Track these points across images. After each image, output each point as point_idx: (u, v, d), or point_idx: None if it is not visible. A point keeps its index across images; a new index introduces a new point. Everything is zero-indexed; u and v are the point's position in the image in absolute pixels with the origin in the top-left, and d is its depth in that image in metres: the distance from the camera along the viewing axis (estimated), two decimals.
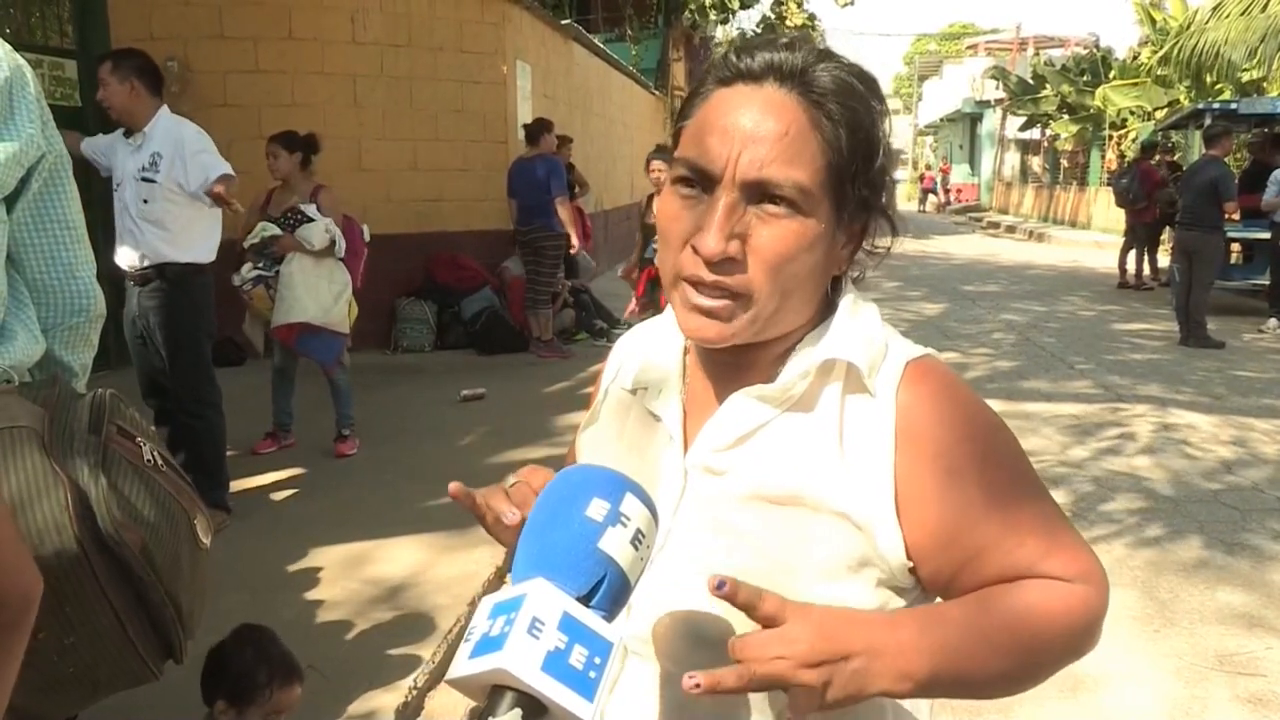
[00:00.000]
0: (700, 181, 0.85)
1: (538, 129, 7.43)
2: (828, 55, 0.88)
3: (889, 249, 0.95)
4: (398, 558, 3.67)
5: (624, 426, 1.01)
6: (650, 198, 6.28)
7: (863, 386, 0.88)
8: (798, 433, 0.89)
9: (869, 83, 0.89)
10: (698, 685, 0.73)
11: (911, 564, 0.88)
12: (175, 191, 3.84)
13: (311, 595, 3.37)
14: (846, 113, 0.86)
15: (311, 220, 4.77)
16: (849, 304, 0.92)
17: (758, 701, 0.89)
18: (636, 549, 0.72)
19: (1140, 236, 12.41)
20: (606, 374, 1.08)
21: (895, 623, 0.80)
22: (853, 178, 0.86)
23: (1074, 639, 0.88)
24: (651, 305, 6.16)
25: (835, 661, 0.76)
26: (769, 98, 0.85)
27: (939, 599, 0.92)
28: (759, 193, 0.83)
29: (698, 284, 0.85)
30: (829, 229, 0.87)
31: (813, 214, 0.84)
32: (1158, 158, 12.77)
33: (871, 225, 0.92)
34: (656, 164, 6.06)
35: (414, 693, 2.77)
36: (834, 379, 0.89)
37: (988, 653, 0.83)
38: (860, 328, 0.90)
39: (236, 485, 4.25)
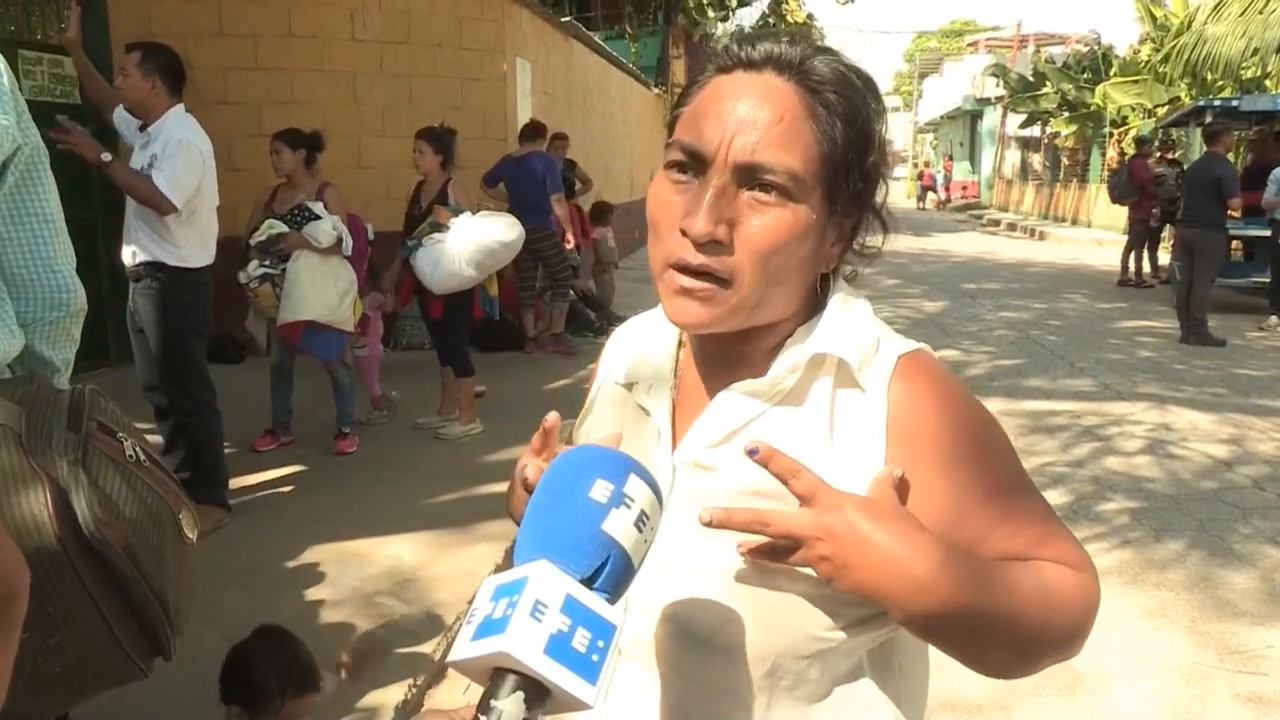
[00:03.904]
0: (693, 165, 0.85)
1: (536, 130, 7.47)
2: (827, 50, 0.89)
3: (879, 249, 0.95)
4: (398, 555, 3.67)
5: (618, 422, 1.00)
6: (419, 185, 5.33)
7: (853, 381, 0.88)
8: (788, 427, 0.88)
9: (866, 80, 0.89)
10: (710, 520, 0.79)
11: None
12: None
13: (311, 592, 3.37)
14: (843, 102, 0.85)
15: (318, 218, 4.76)
16: (840, 300, 0.91)
17: (749, 700, 0.88)
18: (640, 531, 0.71)
19: (1138, 234, 12.44)
20: (602, 368, 1.07)
21: (917, 552, 0.78)
22: (846, 169, 0.86)
23: (1078, 619, 0.88)
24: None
25: (845, 566, 0.78)
26: (767, 85, 0.85)
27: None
28: (750, 177, 0.83)
29: (683, 268, 0.84)
30: (820, 220, 0.86)
31: (804, 201, 0.84)
32: (1157, 154, 12.77)
33: (863, 223, 0.92)
34: (421, 143, 5.22)
35: (414, 689, 2.76)
36: (824, 373, 0.89)
37: (999, 613, 0.82)
38: (850, 323, 0.90)
39: (236, 483, 4.25)
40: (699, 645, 0.88)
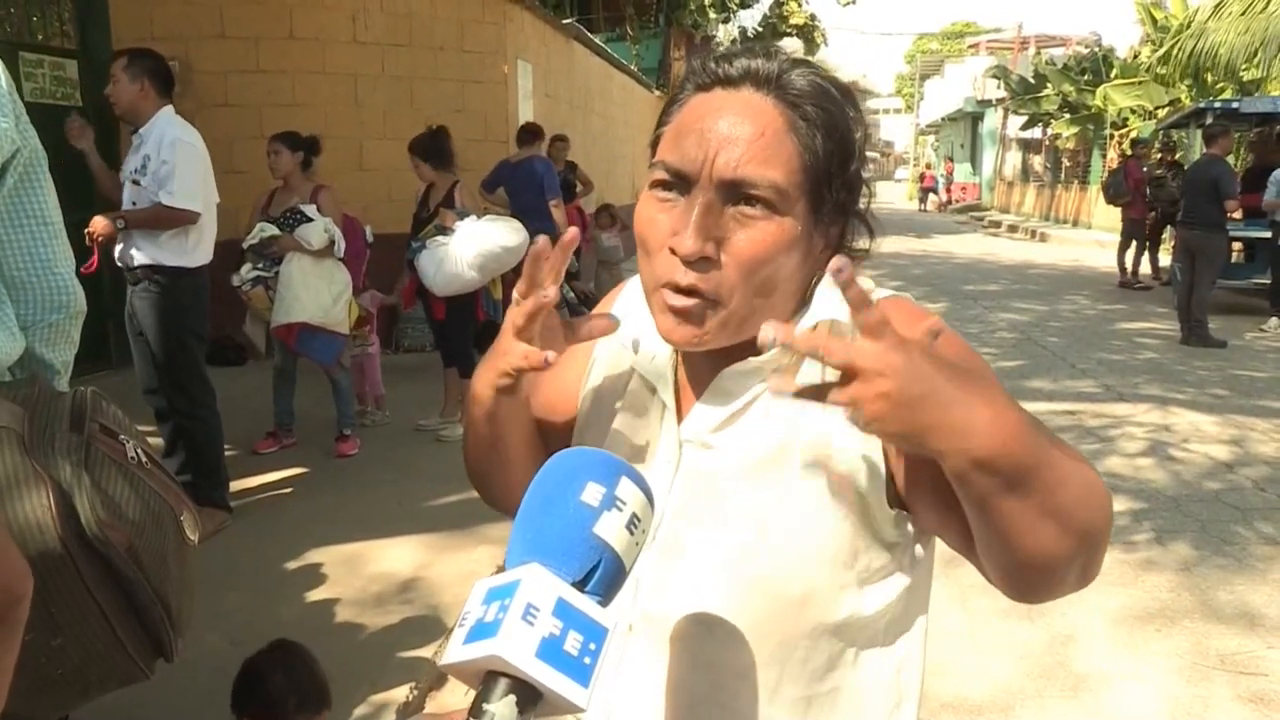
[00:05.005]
0: (678, 184, 0.86)
1: (534, 132, 7.45)
2: (805, 63, 0.90)
3: (868, 251, 0.96)
4: (399, 557, 3.67)
5: (620, 388, 1.01)
6: (428, 188, 5.34)
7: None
8: (786, 401, 0.89)
9: (845, 90, 0.90)
10: (770, 336, 0.70)
11: (895, 512, 0.88)
12: (157, 198, 3.81)
13: (312, 594, 3.37)
14: (822, 115, 0.87)
15: (310, 220, 4.77)
16: (830, 278, 0.92)
17: (754, 677, 0.90)
18: (632, 534, 0.72)
19: (1130, 234, 12.46)
20: (615, 309, 1.05)
21: (980, 397, 0.72)
22: (829, 179, 0.87)
23: (1104, 510, 0.82)
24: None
25: (903, 404, 0.71)
26: (746, 101, 0.86)
27: (935, 539, 0.92)
28: (735, 193, 0.84)
29: (674, 288, 0.86)
30: (805, 230, 0.87)
31: (788, 214, 0.85)
32: (1158, 155, 12.77)
33: (849, 229, 0.93)
34: (414, 158, 5.24)
35: (415, 692, 2.77)
36: None
37: (1047, 474, 0.76)
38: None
39: (237, 485, 4.25)
40: (706, 622, 0.90)
